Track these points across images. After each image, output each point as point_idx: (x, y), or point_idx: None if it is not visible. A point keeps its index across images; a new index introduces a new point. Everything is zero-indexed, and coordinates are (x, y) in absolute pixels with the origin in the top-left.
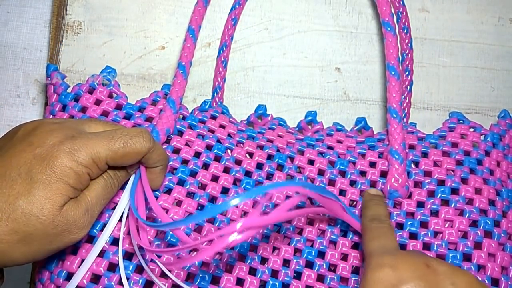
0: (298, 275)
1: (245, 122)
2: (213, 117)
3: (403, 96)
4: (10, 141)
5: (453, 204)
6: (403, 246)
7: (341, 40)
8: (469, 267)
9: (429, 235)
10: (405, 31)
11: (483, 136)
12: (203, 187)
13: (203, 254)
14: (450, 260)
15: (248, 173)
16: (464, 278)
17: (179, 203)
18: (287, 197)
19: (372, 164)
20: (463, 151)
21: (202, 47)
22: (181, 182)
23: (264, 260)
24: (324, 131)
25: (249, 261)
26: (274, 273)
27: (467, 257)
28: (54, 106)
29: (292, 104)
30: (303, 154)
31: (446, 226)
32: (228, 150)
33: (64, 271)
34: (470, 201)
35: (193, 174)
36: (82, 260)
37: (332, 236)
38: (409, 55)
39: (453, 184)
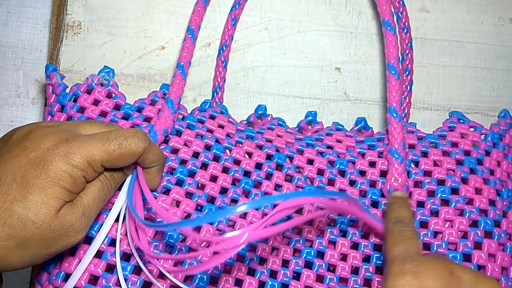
0: (297, 276)
1: (245, 122)
2: (212, 117)
3: (403, 96)
4: (5, 145)
5: (453, 204)
6: None
7: (341, 40)
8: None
9: (429, 235)
10: (405, 31)
11: (483, 135)
12: (201, 187)
13: (205, 266)
14: None
15: (247, 173)
16: (488, 285)
17: (177, 203)
18: None
19: (372, 164)
20: (463, 150)
21: (202, 47)
22: (180, 183)
23: (263, 261)
24: (324, 130)
25: (247, 261)
26: (273, 274)
27: (467, 258)
28: (52, 107)
29: (292, 104)
30: (303, 154)
31: (446, 226)
32: (227, 150)
33: (62, 272)
34: (470, 201)
35: (192, 174)
36: (80, 261)
37: (331, 236)
38: (409, 55)
39: (453, 184)
